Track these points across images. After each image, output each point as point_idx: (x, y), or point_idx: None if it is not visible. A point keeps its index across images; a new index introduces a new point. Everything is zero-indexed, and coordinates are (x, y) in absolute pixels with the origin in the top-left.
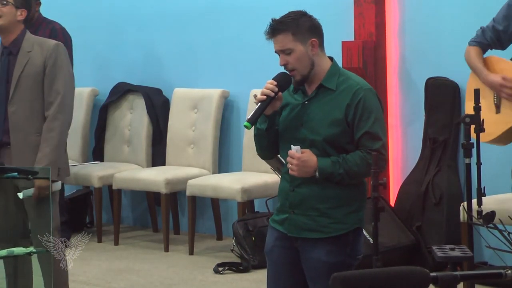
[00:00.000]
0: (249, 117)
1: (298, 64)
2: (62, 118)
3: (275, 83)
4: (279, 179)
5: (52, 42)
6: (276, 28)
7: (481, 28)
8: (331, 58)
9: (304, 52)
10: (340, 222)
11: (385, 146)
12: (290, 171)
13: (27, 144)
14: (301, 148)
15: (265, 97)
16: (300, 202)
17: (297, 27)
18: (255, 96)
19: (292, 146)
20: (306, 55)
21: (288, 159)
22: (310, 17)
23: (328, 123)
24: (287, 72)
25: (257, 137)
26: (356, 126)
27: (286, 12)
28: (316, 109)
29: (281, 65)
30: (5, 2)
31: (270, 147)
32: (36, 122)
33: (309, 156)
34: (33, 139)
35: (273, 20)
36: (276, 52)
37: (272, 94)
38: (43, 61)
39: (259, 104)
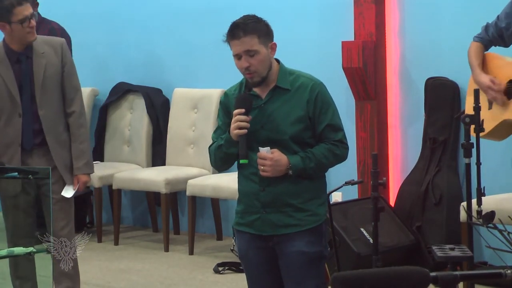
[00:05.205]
0: (241, 154)
1: (261, 66)
2: (85, 113)
3: (243, 110)
4: None
5: (59, 39)
6: (244, 30)
7: (486, 24)
8: (277, 60)
9: (266, 55)
10: (314, 214)
11: (345, 136)
12: (262, 173)
13: (60, 143)
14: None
15: (245, 131)
16: (273, 201)
17: (260, 31)
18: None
19: (260, 148)
20: (268, 58)
21: (260, 161)
22: (265, 21)
23: (291, 121)
24: (244, 77)
25: (224, 159)
26: (317, 119)
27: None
28: (276, 110)
29: (243, 67)
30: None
31: (233, 162)
32: (62, 120)
33: (280, 155)
34: (64, 137)
35: (238, 23)
36: (236, 54)
37: (248, 125)
38: (60, 60)
39: (241, 137)
